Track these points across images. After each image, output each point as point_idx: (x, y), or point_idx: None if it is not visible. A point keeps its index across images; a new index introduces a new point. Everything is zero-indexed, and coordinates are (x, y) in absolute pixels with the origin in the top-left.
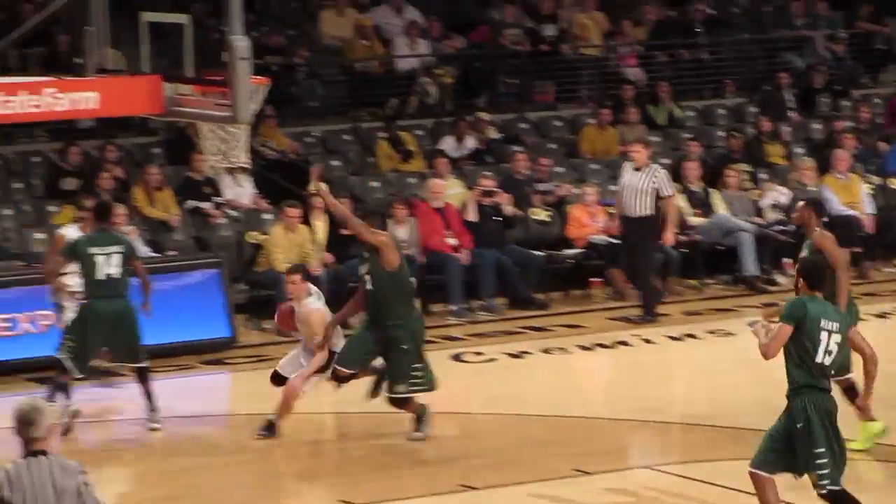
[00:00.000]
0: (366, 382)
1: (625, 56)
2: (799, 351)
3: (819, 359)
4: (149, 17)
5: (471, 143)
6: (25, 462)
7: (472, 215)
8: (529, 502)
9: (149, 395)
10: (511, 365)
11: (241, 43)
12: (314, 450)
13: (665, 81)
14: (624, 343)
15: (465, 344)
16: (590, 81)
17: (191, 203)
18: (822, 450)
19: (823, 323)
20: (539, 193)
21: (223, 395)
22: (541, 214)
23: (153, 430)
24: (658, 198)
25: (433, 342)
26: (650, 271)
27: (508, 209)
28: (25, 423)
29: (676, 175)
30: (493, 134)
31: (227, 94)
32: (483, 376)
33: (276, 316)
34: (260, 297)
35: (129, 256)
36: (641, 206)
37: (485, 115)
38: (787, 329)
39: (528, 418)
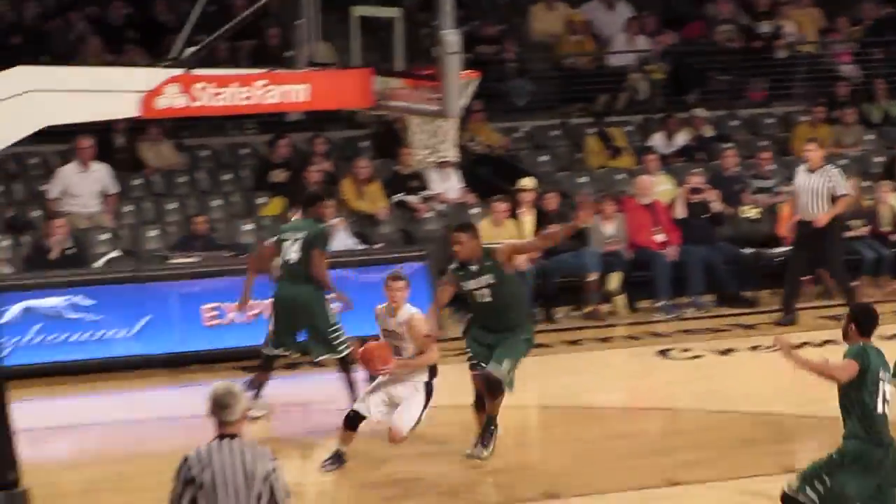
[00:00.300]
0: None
1: (840, 53)
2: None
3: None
4: (360, 11)
5: (680, 139)
6: (217, 444)
7: (680, 212)
8: (736, 499)
9: (351, 385)
10: (718, 362)
11: (451, 37)
12: (518, 442)
13: (881, 79)
14: (832, 342)
15: (672, 340)
16: (804, 79)
17: (398, 196)
18: None
19: (882, 374)
20: (755, 191)
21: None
22: (750, 212)
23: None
24: (833, 199)
25: (638, 339)
26: (843, 270)
27: (717, 206)
28: (220, 406)
29: (891, 172)
30: (709, 132)
31: (436, 89)
32: (689, 373)
33: (367, 356)
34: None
35: (309, 244)
36: (817, 209)
37: (700, 112)
38: (855, 367)
39: (734, 415)
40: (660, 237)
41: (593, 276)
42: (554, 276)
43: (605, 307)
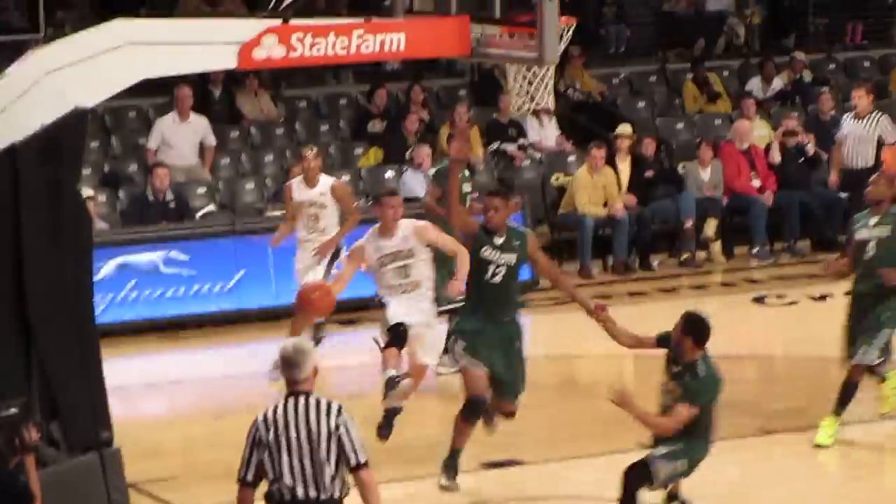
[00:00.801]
0: None
1: None
2: None
3: None
4: None
5: (777, 83)
6: (284, 403)
7: (776, 157)
8: (833, 446)
9: None
10: (814, 308)
11: None
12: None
13: None
14: None
15: (768, 286)
16: None
17: (496, 144)
18: None
19: None
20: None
21: (525, 337)
22: None
23: (438, 374)
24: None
25: (734, 285)
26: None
27: (813, 150)
28: (289, 364)
29: None
30: (806, 75)
31: (533, 35)
32: (785, 319)
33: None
34: (562, 239)
35: None
36: (865, 157)
37: (798, 56)
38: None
39: (829, 361)
40: (756, 182)
41: (689, 223)
42: (650, 222)
43: (701, 254)
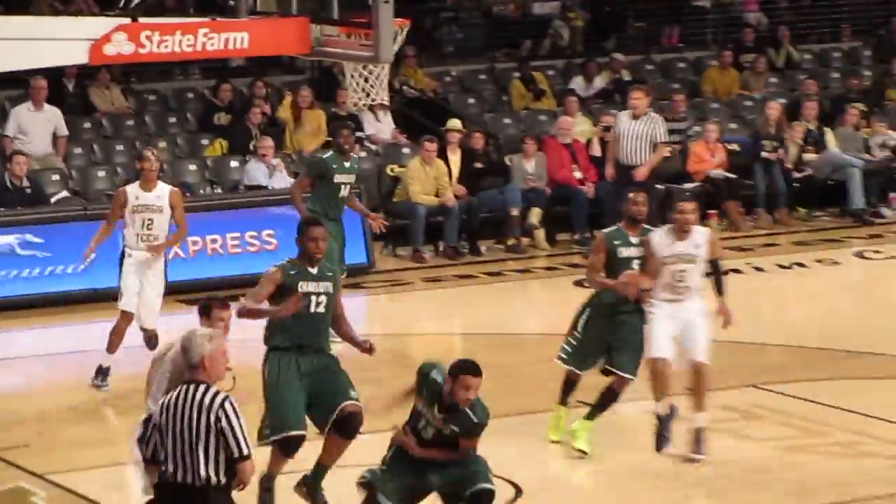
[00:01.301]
0: None
1: (748, 1)
2: None
3: None
4: None
5: (599, 82)
6: (179, 389)
7: (596, 150)
8: (644, 417)
9: None
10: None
11: None
12: None
13: (785, 25)
14: (737, 271)
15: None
16: (714, 25)
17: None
18: None
19: None
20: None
21: (361, 317)
22: (663, 150)
23: None
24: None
25: (557, 270)
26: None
27: None
28: (183, 351)
29: (794, 114)
30: (626, 75)
31: (370, 36)
32: None
33: None
34: (396, 226)
35: None
36: (638, 154)
37: (619, 56)
38: None
39: None
40: (578, 174)
41: (515, 211)
42: (478, 211)
43: (525, 240)
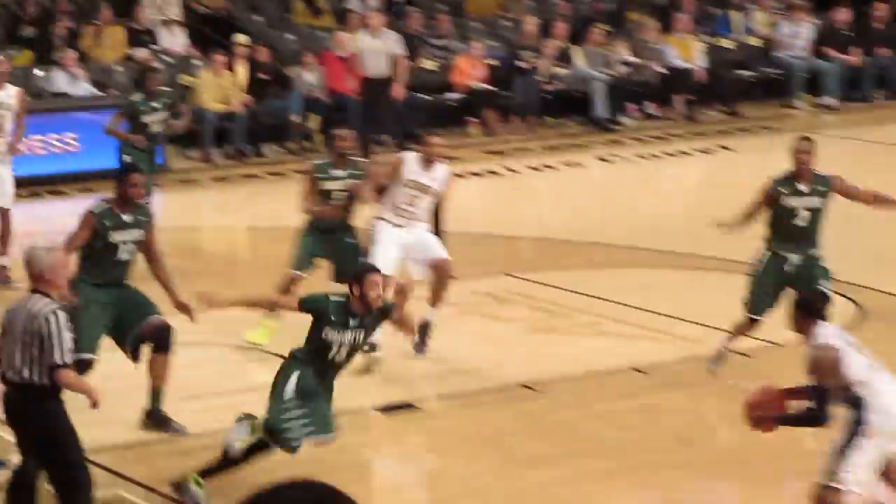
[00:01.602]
0: None
1: None
2: None
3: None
4: None
5: (374, 2)
6: (25, 296)
7: None
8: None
9: None
10: None
11: None
12: (229, 261)
13: None
14: (494, 172)
15: None
16: None
17: (134, 50)
18: None
19: None
20: (433, 48)
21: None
22: (429, 64)
23: None
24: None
25: None
26: (397, 123)
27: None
28: (27, 262)
29: (546, 32)
30: None
31: None
32: None
33: None
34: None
35: None
36: (380, 67)
37: None
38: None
39: None
40: (354, 85)
41: (296, 118)
42: (263, 117)
43: (306, 144)
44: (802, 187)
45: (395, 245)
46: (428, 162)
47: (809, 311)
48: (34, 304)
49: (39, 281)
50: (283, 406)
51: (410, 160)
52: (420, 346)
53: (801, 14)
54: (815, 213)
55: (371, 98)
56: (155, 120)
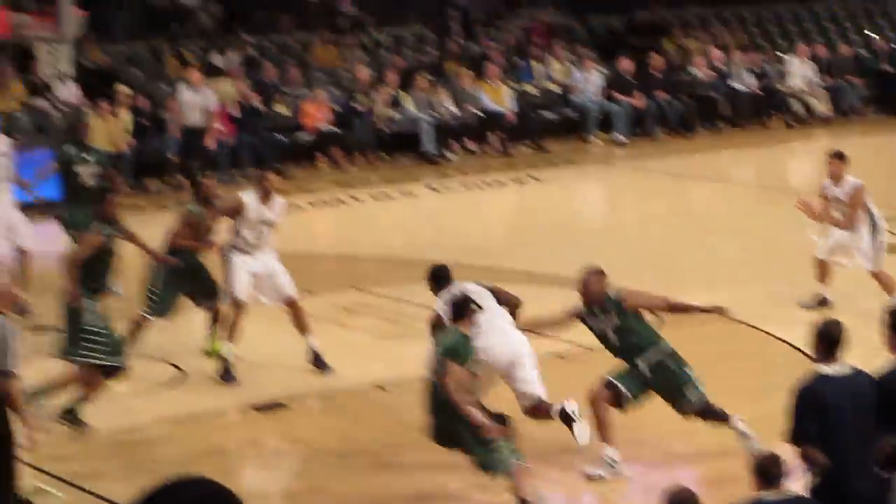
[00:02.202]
0: None
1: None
2: None
3: None
4: None
5: (232, 57)
6: None
7: (235, 111)
8: (273, 313)
9: None
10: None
11: None
12: None
13: (368, 13)
14: (341, 201)
15: None
16: (317, 14)
17: (33, 100)
18: None
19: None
20: (285, 95)
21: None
22: (282, 109)
23: None
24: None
25: None
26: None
27: (260, 106)
28: None
29: (380, 80)
30: (253, 52)
31: (55, 21)
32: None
33: None
34: None
35: None
36: (196, 118)
37: (247, 37)
38: None
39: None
40: (222, 128)
41: (171, 155)
42: (144, 156)
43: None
44: (597, 312)
45: (247, 272)
46: (266, 196)
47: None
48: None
49: None
50: None
51: (250, 198)
52: (322, 366)
53: (591, 64)
54: (621, 331)
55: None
56: (87, 172)
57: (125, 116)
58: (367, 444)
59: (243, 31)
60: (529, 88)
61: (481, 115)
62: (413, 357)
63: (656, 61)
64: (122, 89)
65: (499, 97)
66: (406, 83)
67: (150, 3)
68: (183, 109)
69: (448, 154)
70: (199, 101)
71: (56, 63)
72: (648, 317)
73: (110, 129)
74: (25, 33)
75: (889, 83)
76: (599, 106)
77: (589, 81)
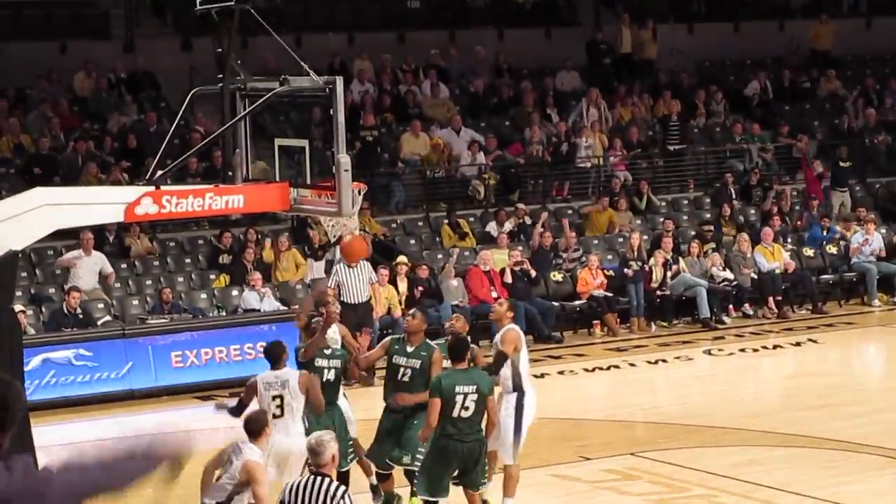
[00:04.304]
0: None
1: (617, 163)
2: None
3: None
4: (280, 142)
5: (507, 226)
6: (307, 477)
7: (508, 277)
8: (548, 480)
9: None
10: (535, 383)
11: (344, 159)
12: None
13: (645, 180)
14: (616, 367)
15: None
16: (593, 181)
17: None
18: None
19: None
20: (562, 260)
21: None
22: (557, 276)
23: None
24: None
25: None
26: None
27: (533, 273)
28: (313, 453)
29: (655, 246)
30: (528, 221)
31: (334, 195)
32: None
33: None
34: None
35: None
36: (360, 294)
37: (522, 206)
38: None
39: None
40: (494, 294)
41: (448, 324)
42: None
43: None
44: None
45: None
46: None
47: None
48: (325, 486)
49: (324, 465)
50: None
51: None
52: None
53: (871, 226)
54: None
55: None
56: (328, 366)
57: (402, 285)
58: None
59: (517, 199)
60: (808, 251)
61: (756, 277)
62: None
63: None
64: (402, 259)
65: (776, 259)
66: (680, 247)
67: (427, 175)
68: (346, 286)
69: (724, 318)
70: (362, 276)
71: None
72: None
73: (386, 296)
74: (304, 208)
75: None
76: (880, 267)
77: (870, 243)
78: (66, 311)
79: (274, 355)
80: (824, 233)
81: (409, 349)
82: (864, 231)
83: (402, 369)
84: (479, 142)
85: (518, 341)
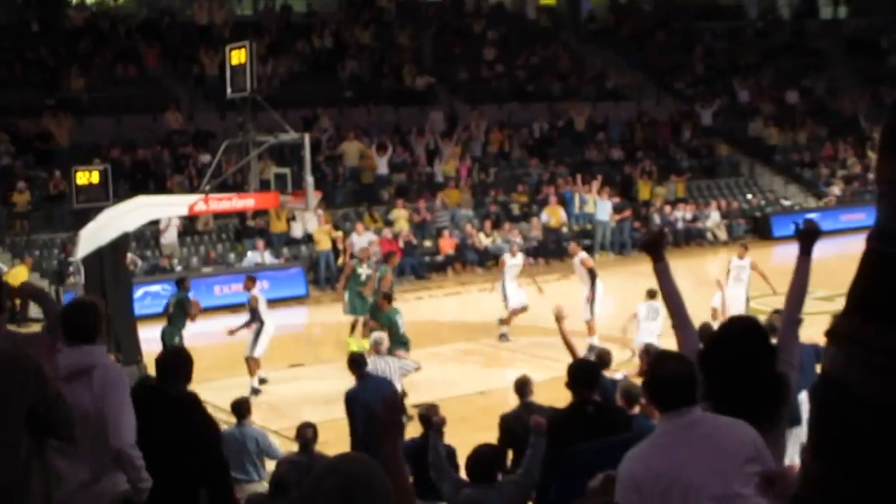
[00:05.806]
0: None
1: None
2: None
3: None
4: (275, 170)
5: None
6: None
7: None
8: None
9: None
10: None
11: (310, 178)
12: None
13: None
14: None
15: None
16: None
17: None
18: None
19: None
20: None
21: None
22: None
23: None
24: None
25: None
26: None
27: None
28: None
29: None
30: None
31: (303, 199)
32: None
33: None
34: None
35: None
36: None
37: None
38: None
39: None
40: None
41: None
42: None
43: None
44: None
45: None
46: None
47: None
48: None
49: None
50: None
51: None
52: None
53: None
54: None
55: None
56: None
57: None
58: None
59: None
60: None
61: None
62: None
63: None
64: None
65: None
66: None
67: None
68: None
69: None
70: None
71: (303, 220)
72: None
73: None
74: (288, 206)
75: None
76: None
77: None
78: (157, 263)
79: None
80: None
81: None
82: None
83: None
84: None
85: None
